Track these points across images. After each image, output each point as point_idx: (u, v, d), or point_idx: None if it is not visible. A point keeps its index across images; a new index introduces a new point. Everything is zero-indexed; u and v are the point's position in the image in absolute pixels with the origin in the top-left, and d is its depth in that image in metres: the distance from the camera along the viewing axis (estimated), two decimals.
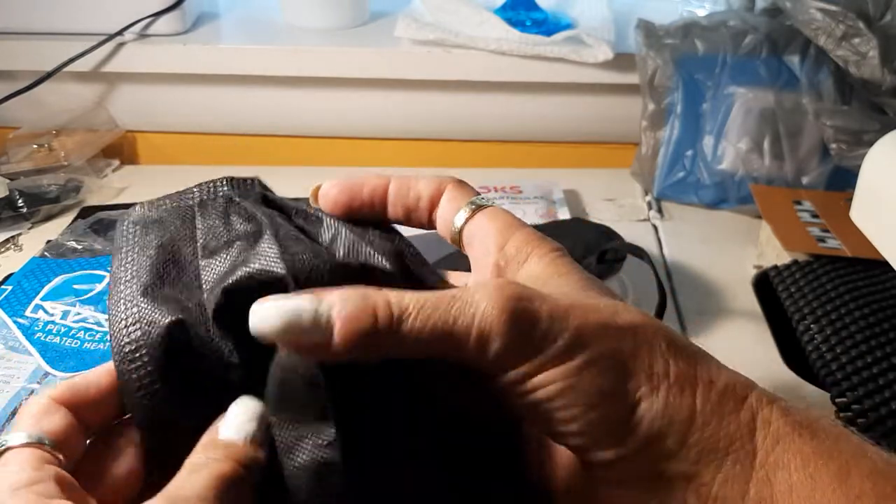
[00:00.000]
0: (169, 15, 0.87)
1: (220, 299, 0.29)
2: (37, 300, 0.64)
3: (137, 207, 0.35)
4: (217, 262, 0.31)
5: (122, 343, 0.29)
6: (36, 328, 0.61)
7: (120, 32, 0.86)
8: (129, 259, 0.32)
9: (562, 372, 0.27)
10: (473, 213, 0.33)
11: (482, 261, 0.32)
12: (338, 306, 0.26)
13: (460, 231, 0.33)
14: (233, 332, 0.29)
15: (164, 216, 0.34)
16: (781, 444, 0.27)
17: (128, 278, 0.31)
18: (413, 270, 0.33)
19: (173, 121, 0.95)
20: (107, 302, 0.31)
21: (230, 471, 0.27)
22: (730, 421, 0.27)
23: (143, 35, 0.88)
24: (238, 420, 0.29)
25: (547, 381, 0.27)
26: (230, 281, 0.29)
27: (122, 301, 0.30)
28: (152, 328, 0.29)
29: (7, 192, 0.81)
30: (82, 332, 0.61)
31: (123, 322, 0.29)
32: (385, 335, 0.26)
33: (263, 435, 0.28)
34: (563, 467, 0.31)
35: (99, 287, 0.66)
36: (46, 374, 0.57)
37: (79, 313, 0.63)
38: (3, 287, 0.66)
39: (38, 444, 0.28)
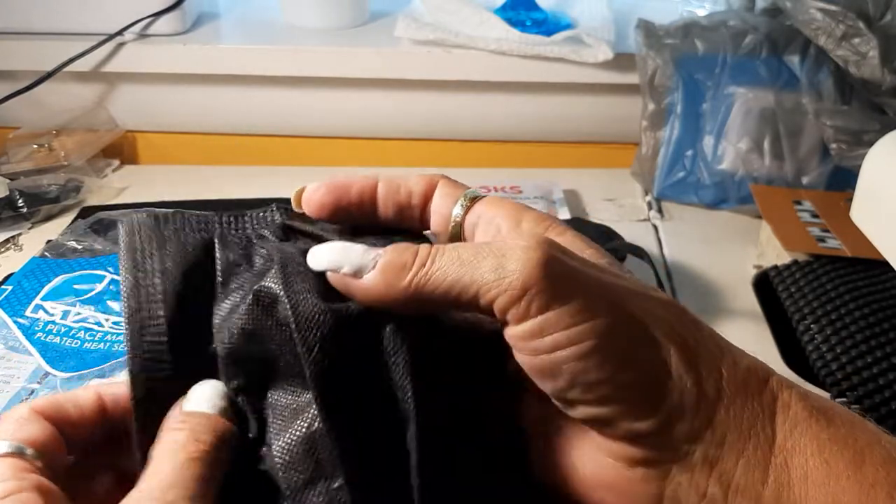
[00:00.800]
0: (169, 15, 0.87)
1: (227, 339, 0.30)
2: (37, 300, 0.64)
3: (145, 217, 0.33)
4: (227, 302, 0.31)
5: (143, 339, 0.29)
6: (36, 328, 0.61)
7: (120, 32, 0.86)
8: (150, 253, 0.31)
9: (589, 329, 0.26)
10: (472, 203, 0.32)
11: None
12: (387, 251, 0.28)
13: (461, 222, 0.32)
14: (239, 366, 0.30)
15: (181, 237, 0.33)
16: (799, 429, 0.27)
17: (154, 269, 0.31)
18: None
19: (173, 121, 0.95)
20: (126, 306, 0.30)
21: (208, 448, 0.27)
22: (753, 402, 0.27)
23: (143, 35, 0.88)
24: (204, 395, 0.28)
25: (581, 337, 0.26)
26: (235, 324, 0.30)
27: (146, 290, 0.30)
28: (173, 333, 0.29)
29: (7, 192, 0.81)
30: (82, 332, 0.61)
31: (148, 315, 0.30)
32: (416, 272, 0.27)
33: (230, 413, 0.28)
34: (574, 464, 0.30)
35: (99, 287, 0.66)
36: (46, 374, 0.57)
37: (79, 313, 0.63)
38: (3, 287, 0.66)
39: (18, 453, 0.27)
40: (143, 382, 0.29)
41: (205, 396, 0.29)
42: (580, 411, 0.28)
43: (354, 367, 0.28)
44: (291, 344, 0.28)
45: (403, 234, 0.33)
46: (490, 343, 0.30)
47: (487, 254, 0.27)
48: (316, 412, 0.28)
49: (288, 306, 0.28)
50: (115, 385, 0.31)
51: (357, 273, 0.28)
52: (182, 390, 0.29)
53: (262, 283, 0.29)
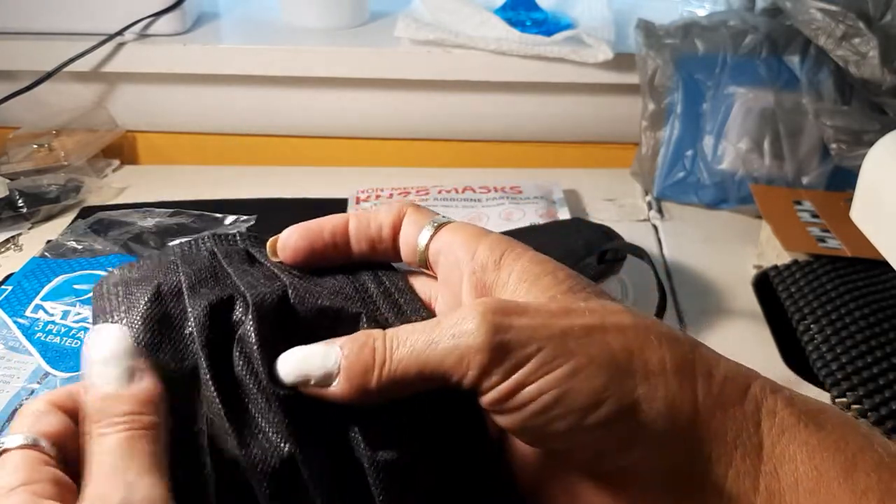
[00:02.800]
0: (169, 15, 0.87)
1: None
2: (37, 300, 0.64)
3: (116, 271, 0.33)
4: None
5: None
6: (36, 328, 0.61)
7: (120, 32, 0.86)
8: (118, 318, 0.31)
9: (551, 381, 0.26)
10: (437, 230, 0.32)
11: (453, 273, 0.31)
12: (346, 349, 0.28)
13: (426, 250, 0.32)
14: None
15: (147, 274, 0.33)
16: (787, 435, 0.27)
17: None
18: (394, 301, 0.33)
19: (173, 121, 0.95)
20: None
21: (140, 432, 0.26)
22: (734, 413, 0.27)
23: (143, 35, 0.88)
24: (108, 363, 0.28)
25: (538, 392, 0.26)
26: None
27: None
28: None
29: (7, 192, 0.81)
30: (82, 332, 0.61)
31: None
32: (380, 372, 0.28)
33: (142, 363, 0.28)
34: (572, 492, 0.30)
35: None
36: (46, 374, 0.57)
37: (79, 313, 0.63)
38: (3, 287, 0.66)
39: (34, 445, 0.28)
40: None
41: (107, 365, 0.28)
42: (564, 458, 0.29)
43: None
44: None
45: (371, 268, 0.34)
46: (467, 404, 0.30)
47: (440, 338, 0.27)
48: None
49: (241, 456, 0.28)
50: None
51: (325, 381, 0.28)
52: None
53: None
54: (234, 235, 0.35)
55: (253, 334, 0.29)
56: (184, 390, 0.29)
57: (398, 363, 0.27)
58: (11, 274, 0.69)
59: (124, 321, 0.30)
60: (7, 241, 0.77)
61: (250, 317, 0.29)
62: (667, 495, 0.28)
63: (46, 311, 0.63)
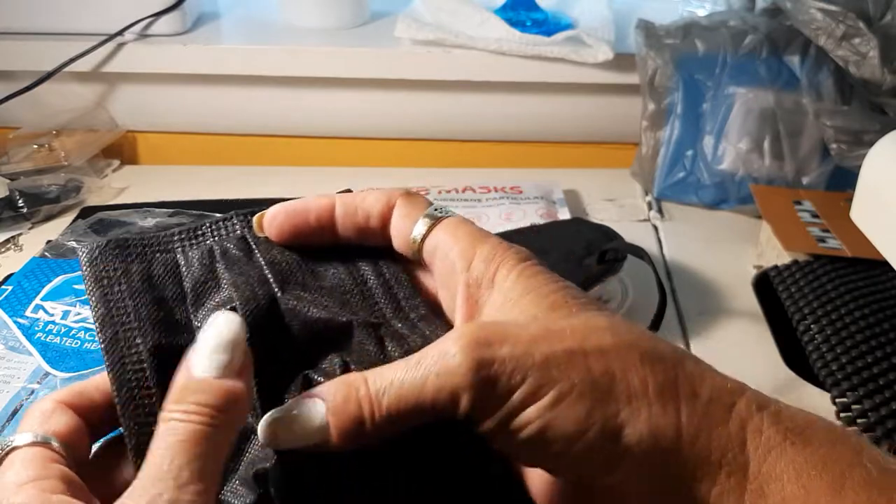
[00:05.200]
0: (169, 15, 0.87)
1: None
2: (37, 300, 0.64)
3: (104, 243, 0.33)
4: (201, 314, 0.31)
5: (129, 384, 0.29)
6: (36, 328, 0.61)
7: (120, 32, 0.86)
8: (116, 280, 0.31)
9: (535, 412, 0.27)
10: (432, 225, 0.31)
11: (449, 279, 0.31)
12: (329, 403, 0.27)
13: (420, 247, 0.32)
14: None
15: (144, 259, 0.33)
16: (773, 454, 0.27)
17: (128, 318, 0.30)
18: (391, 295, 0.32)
19: (173, 121, 0.95)
20: (102, 338, 0.30)
21: (205, 427, 0.26)
22: (719, 433, 0.27)
23: (143, 35, 0.88)
24: (206, 350, 0.27)
25: (525, 423, 0.27)
26: None
27: (126, 342, 0.30)
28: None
29: (7, 192, 0.81)
30: (82, 332, 0.61)
31: (131, 369, 0.30)
32: (372, 420, 0.27)
33: (241, 358, 0.27)
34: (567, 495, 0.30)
35: None
36: (46, 374, 0.57)
37: (79, 313, 0.63)
38: (3, 287, 0.66)
39: (43, 443, 0.28)
40: (132, 415, 0.29)
41: (205, 351, 0.27)
42: (558, 476, 0.29)
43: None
44: None
45: (372, 255, 0.33)
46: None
47: (426, 375, 0.27)
48: None
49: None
50: None
51: (322, 442, 0.27)
52: None
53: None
54: (232, 218, 0.34)
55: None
56: None
57: (388, 408, 0.27)
58: (11, 274, 0.69)
59: (132, 316, 0.30)
60: (7, 241, 0.77)
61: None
62: None
63: (46, 311, 0.63)
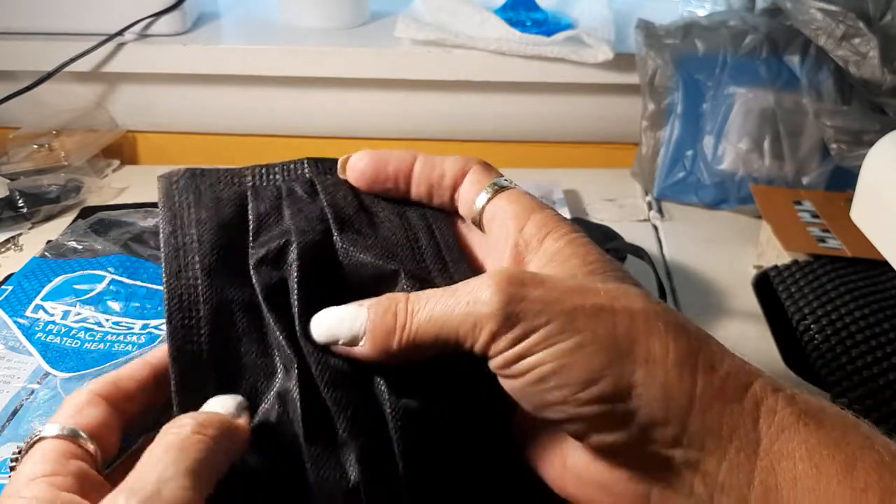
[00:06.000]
0: (169, 15, 0.87)
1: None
2: (37, 300, 0.64)
3: (182, 171, 0.36)
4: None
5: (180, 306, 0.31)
6: (36, 328, 0.61)
7: (120, 32, 0.86)
8: (187, 205, 0.34)
9: (553, 353, 0.27)
10: (495, 194, 0.33)
11: (501, 242, 0.33)
12: (371, 312, 0.30)
13: (481, 212, 0.34)
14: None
15: (215, 191, 0.35)
16: (786, 434, 0.27)
17: (190, 243, 0.32)
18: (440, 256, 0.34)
19: (173, 121, 0.95)
20: (165, 251, 0.32)
21: (204, 440, 0.27)
22: (732, 409, 0.27)
23: (143, 35, 0.88)
24: (216, 402, 0.29)
25: (539, 362, 0.27)
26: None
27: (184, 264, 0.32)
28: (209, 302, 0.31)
29: (7, 192, 0.81)
30: (83, 332, 0.61)
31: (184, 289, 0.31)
32: (401, 335, 0.29)
33: (244, 415, 0.29)
34: (564, 465, 0.31)
35: (99, 287, 0.66)
36: (46, 374, 0.57)
37: (79, 313, 0.63)
38: (3, 287, 0.66)
39: (70, 436, 0.28)
40: (180, 327, 0.30)
41: (217, 403, 0.29)
42: (560, 427, 0.29)
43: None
44: None
45: (427, 218, 0.35)
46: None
47: (457, 304, 0.29)
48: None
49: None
50: (159, 350, 0.32)
51: (352, 342, 0.30)
52: (216, 342, 0.30)
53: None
54: (303, 162, 0.37)
55: (295, 290, 0.31)
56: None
57: (417, 327, 0.29)
58: (11, 274, 0.69)
59: (195, 244, 0.32)
60: (7, 241, 0.77)
61: (294, 269, 0.31)
62: (656, 479, 0.28)
63: (46, 311, 0.63)
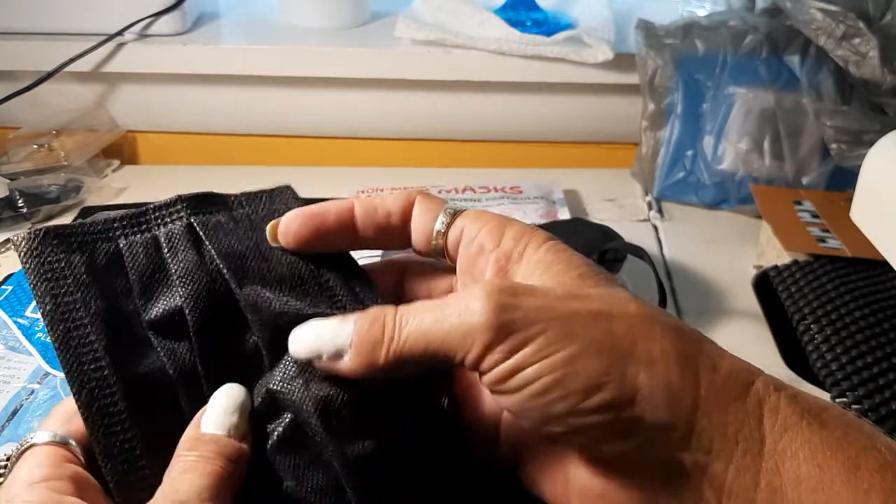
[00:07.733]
0: (169, 15, 0.87)
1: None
2: None
3: (42, 233, 0.32)
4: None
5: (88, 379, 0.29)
6: (36, 328, 0.61)
7: (120, 32, 0.86)
8: (62, 275, 0.30)
9: (552, 363, 0.26)
10: (453, 217, 0.32)
11: (476, 260, 0.31)
12: (358, 324, 0.29)
13: (444, 236, 0.32)
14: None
15: (84, 240, 0.32)
16: (790, 433, 0.27)
17: (81, 318, 0.29)
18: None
19: (173, 121, 0.95)
20: (54, 336, 0.29)
21: (220, 469, 0.27)
22: (736, 408, 0.27)
23: (143, 35, 0.88)
24: (217, 412, 0.29)
25: (538, 374, 0.26)
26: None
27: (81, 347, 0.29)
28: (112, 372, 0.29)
29: (7, 192, 0.81)
30: None
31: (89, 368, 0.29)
32: (388, 348, 0.28)
33: (246, 425, 0.29)
34: (565, 479, 0.30)
35: None
36: (46, 374, 0.57)
37: None
38: (3, 287, 0.66)
39: (61, 443, 0.28)
40: (96, 416, 0.28)
41: (217, 413, 0.29)
42: (563, 441, 0.29)
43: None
44: None
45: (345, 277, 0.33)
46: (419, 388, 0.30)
47: (447, 316, 0.27)
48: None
49: None
50: None
51: (337, 355, 0.29)
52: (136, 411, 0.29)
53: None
54: (176, 204, 0.33)
55: (198, 359, 0.30)
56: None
57: (405, 339, 0.28)
58: (11, 274, 0.69)
59: (81, 311, 0.29)
60: (7, 241, 0.77)
61: (193, 332, 0.30)
62: (664, 487, 0.28)
63: None
